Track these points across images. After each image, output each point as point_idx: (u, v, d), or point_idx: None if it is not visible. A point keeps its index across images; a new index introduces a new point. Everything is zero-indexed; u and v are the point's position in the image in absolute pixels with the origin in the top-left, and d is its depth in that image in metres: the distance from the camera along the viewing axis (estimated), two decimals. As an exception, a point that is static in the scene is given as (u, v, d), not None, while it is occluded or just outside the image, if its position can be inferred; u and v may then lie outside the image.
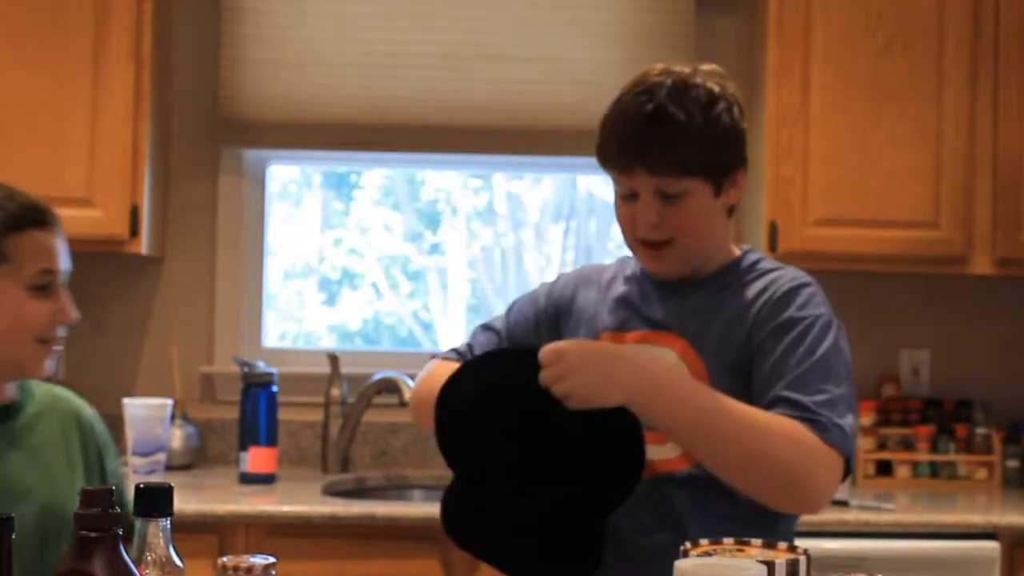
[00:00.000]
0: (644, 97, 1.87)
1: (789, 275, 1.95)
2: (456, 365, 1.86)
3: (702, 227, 1.90)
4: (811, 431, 1.75)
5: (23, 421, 1.89)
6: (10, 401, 1.88)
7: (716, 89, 1.89)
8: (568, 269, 2.17)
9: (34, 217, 1.83)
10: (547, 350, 1.72)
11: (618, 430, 1.75)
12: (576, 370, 1.70)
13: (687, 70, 1.90)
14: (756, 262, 1.98)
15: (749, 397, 1.82)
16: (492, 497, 1.79)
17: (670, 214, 1.87)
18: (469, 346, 2.06)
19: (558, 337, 1.98)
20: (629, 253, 2.00)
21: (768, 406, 1.79)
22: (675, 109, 1.84)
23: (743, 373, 1.86)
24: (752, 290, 1.93)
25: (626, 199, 1.91)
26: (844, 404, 1.80)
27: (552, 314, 2.05)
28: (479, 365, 1.81)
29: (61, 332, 1.86)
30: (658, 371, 1.75)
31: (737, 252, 2.00)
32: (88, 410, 2.01)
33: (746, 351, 1.87)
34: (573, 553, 1.79)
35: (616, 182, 1.92)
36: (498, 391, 1.76)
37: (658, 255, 1.92)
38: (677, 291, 1.95)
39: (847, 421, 1.79)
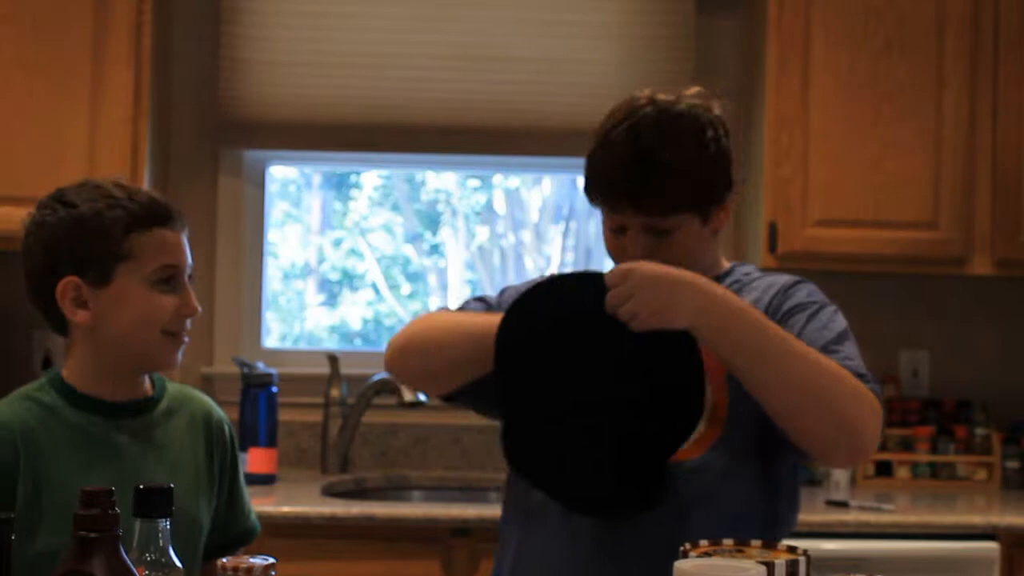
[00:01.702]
0: (630, 135, 1.84)
1: (785, 276, 1.98)
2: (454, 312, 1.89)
3: (693, 256, 1.89)
4: (861, 382, 1.76)
5: (155, 417, 1.92)
6: (145, 396, 1.92)
7: (702, 116, 1.86)
8: (567, 270, 2.16)
9: (156, 215, 1.85)
10: (615, 271, 1.71)
11: (680, 361, 1.73)
12: (643, 290, 1.69)
13: (672, 97, 1.87)
14: (749, 272, 2.00)
15: None
16: (558, 431, 1.77)
17: (660, 248, 1.86)
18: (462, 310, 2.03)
19: None
20: None
21: None
22: (662, 149, 1.82)
23: None
24: (754, 291, 1.93)
25: (615, 232, 1.90)
26: (868, 372, 1.82)
27: None
28: (542, 291, 1.79)
29: (187, 325, 1.90)
30: (727, 298, 1.73)
31: (727, 265, 2.01)
32: (218, 411, 2.02)
33: None
34: (639, 489, 1.78)
35: (604, 215, 1.91)
36: (560, 318, 1.75)
37: None
38: None
39: (876, 385, 1.81)
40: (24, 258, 1.88)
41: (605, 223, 1.93)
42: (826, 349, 1.81)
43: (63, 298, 1.84)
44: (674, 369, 1.74)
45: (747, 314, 1.73)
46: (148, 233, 1.84)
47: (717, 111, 1.89)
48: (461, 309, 2.04)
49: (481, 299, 2.05)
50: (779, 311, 1.89)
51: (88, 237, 1.82)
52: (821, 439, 1.75)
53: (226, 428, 2.02)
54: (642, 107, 1.86)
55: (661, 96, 1.87)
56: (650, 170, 1.82)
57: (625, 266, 1.72)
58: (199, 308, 1.90)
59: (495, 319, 1.80)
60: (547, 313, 1.77)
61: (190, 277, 1.91)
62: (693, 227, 1.88)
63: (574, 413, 1.76)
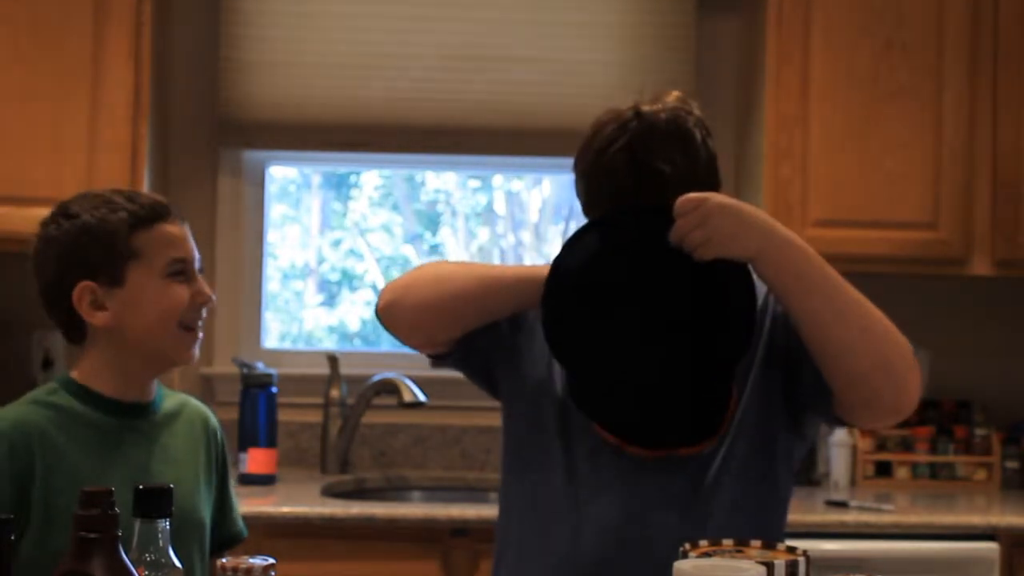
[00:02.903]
0: (626, 156, 1.85)
1: None
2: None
3: None
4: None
5: (161, 420, 1.97)
6: (149, 400, 1.97)
7: (689, 120, 1.87)
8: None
9: (158, 212, 1.92)
10: (685, 198, 1.74)
11: (739, 286, 1.78)
12: (714, 216, 1.72)
13: (657, 106, 1.88)
14: None
15: (785, 388, 1.87)
16: (629, 364, 1.79)
17: None
18: None
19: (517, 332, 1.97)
20: None
21: None
22: (662, 164, 1.84)
23: (776, 360, 1.89)
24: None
25: None
26: None
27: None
28: (600, 226, 1.82)
29: (203, 314, 1.95)
30: (788, 233, 1.78)
31: None
32: (212, 416, 2.08)
33: (771, 341, 1.90)
34: (694, 417, 1.82)
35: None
36: (616, 250, 1.79)
37: None
38: None
39: None
40: (37, 275, 1.93)
41: None
42: None
43: (80, 303, 1.89)
44: (734, 293, 1.78)
45: (808, 249, 1.79)
46: (152, 229, 1.90)
47: (698, 113, 1.91)
48: None
49: None
50: (776, 306, 1.89)
51: (96, 242, 1.88)
52: (869, 378, 1.78)
53: (219, 433, 2.09)
54: (629, 121, 1.86)
55: (646, 107, 1.87)
56: (654, 188, 1.83)
57: (696, 195, 1.74)
58: (213, 296, 1.96)
59: (509, 270, 1.85)
60: (597, 250, 1.80)
61: (200, 269, 1.97)
62: None
63: (643, 341, 1.78)
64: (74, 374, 1.93)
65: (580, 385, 1.84)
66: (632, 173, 1.84)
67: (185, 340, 1.93)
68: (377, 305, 1.96)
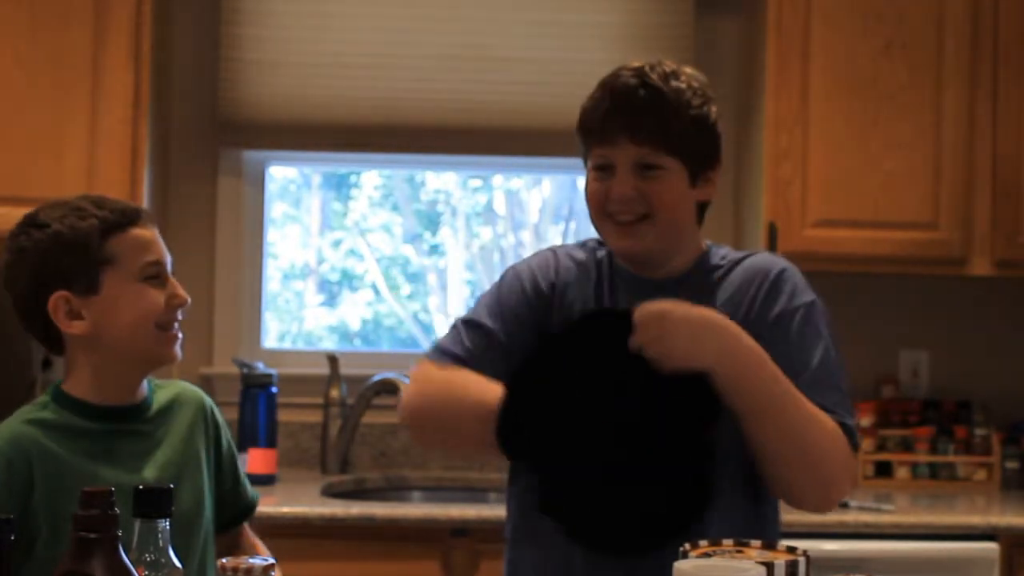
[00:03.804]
0: (634, 76, 1.90)
1: (762, 261, 1.97)
2: (456, 368, 1.89)
3: (673, 212, 1.91)
4: (844, 436, 1.82)
5: (155, 417, 1.96)
6: (140, 400, 1.95)
7: (702, 88, 1.93)
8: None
9: (129, 217, 1.90)
10: (648, 312, 1.74)
11: (700, 401, 1.77)
12: (672, 333, 1.73)
13: (674, 65, 1.94)
14: (725, 255, 2.00)
15: None
16: (583, 485, 1.80)
17: (646, 188, 1.89)
18: (468, 350, 1.96)
19: (545, 326, 1.96)
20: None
21: None
22: (665, 88, 1.88)
23: None
24: (733, 285, 1.94)
25: (600, 173, 1.92)
26: (848, 396, 1.88)
27: (542, 306, 2.00)
28: (559, 341, 1.83)
29: (179, 316, 1.93)
30: (748, 344, 1.77)
31: (704, 246, 2.01)
32: (206, 397, 2.06)
33: None
34: (669, 526, 1.80)
35: (591, 156, 1.93)
36: (578, 362, 1.79)
37: (629, 231, 1.92)
38: (655, 291, 1.92)
39: (855, 420, 1.87)
40: (9, 287, 1.91)
41: (589, 167, 1.95)
42: (814, 381, 1.84)
43: (56, 313, 1.87)
44: (695, 408, 1.78)
45: (764, 365, 1.78)
46: (125, 234, 1.89)
47: (713, 95, 1.95)
48: (466, 347, 1.97)
49: (477, 324, 1.99)
50: (761, 323, 1.88)
51: (69, 251, 1.86)
52: (800, 487, 1.84)
53: (214, 411, 2.06)
54: (642, 65, 1.92)
55: (665, 62, 1.94)
56: (652, 100, 1.87)
57: (657, 308, 1.74)
58: (188, 298, 1.94)
59: (498, 393, 1.81)
60: (558, 365, 1.80)
61: (171, 271, 1.95)
62: (680, 180, 1.90)
63: (597, 444, 1.78)
64: (64, 385, 1.92)
65: (541, 486, 1.83)
66: (636, 82, 1.88)
67: (164, 339, 1.91)
68: (401, 418, 2.00)
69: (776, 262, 1.97)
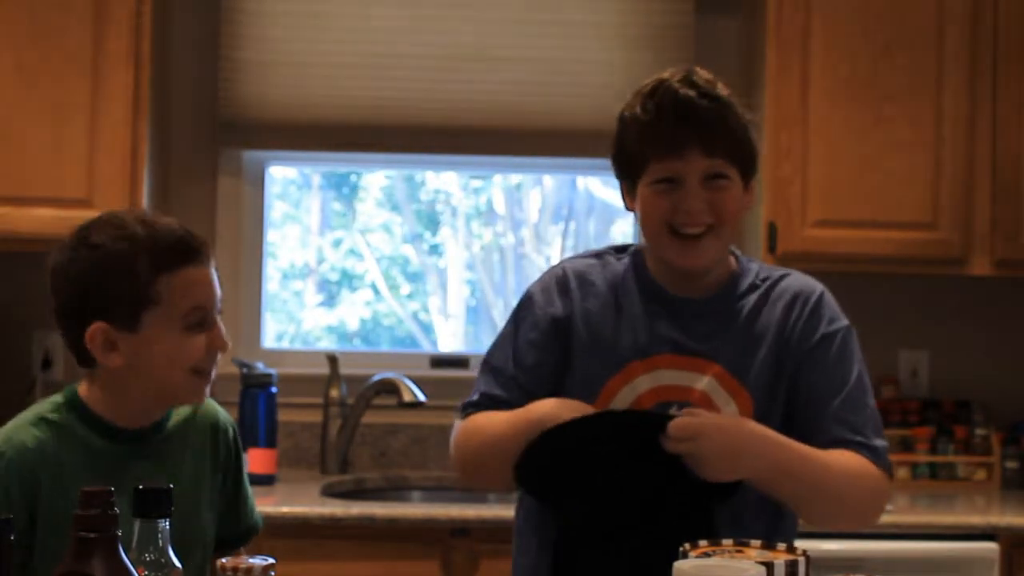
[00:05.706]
0: (687, 86, 1.86)
1: (800, 284, 1.98)
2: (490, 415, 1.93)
3: (739, 215, 1.92)
4: (871, 463, 1.87)
5: (167, 439, 1.92)
6: (153, 423, 1.92)
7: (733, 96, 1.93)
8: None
9: (182, 254, 1.83)
10: (682, 427, 1.73)
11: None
12: (707, 450, 1.74)
13: (705, 71, 1.93)
14: (758, 272, 1.99)
15: (784, 415, 1.91)
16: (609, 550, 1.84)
17: (714, 199, 1.87)
18: (507, 403, 1.94)
19: (567, 356, 1.95)
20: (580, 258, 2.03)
21: (827, 439, 1.87)
22: (722, 97, 1.87)
23: (779, 393, 1.91)
24: (776, 308, 1.94)
25: (665, 186, 1.86)
26: (877, 413, 1.94)
27: (561, 338, 1.96)
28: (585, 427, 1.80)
29: (217, 359, 1.89)
30: (777, 442, 1.81)
31: (734, 262, 2.00)
32: (223, 415, 2.03)
33: (782, 373, 1.91)
34: None
35: (649, 169, 1.87)
36: (606, 432, 1.80)
37: (694, 247, 1.88)
38: (687, 307, 1.93)
39: (885, 440, 1.93)
40: (52, 296, 1.86)
41: (646, 183, 1.88)
42: (849, 403, 1.89)
43: (93, 343, 1.81)
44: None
45: (793, 454, 1.82)
46: (176, 275, 1.82)
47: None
48: (487, 384, 1.98)
49: (500, 372, 1.97)
50: (801, 348, 1.92)
51: (115, 281, 1.80)
52: (831, 526, 1.98)
53: (230, 430, 2.03)
54: (686, 74, 1.90)
55: (698, 73, 1.92)
56: (719, 107, 1.86)
57: (697, 424, 1.74)
58: (228, 343, 1.90)
59: (511, 429, 1.85)
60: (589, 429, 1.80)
61: (219, 311, 1.90)
62: (739, 188, 1.90)
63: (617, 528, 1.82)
64: (80, 390, 1.88)
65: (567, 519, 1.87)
66: (692, 91, 1.85)
67: (196, 385, 1.87)
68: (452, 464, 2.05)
69: (814, 287, 1.98)
